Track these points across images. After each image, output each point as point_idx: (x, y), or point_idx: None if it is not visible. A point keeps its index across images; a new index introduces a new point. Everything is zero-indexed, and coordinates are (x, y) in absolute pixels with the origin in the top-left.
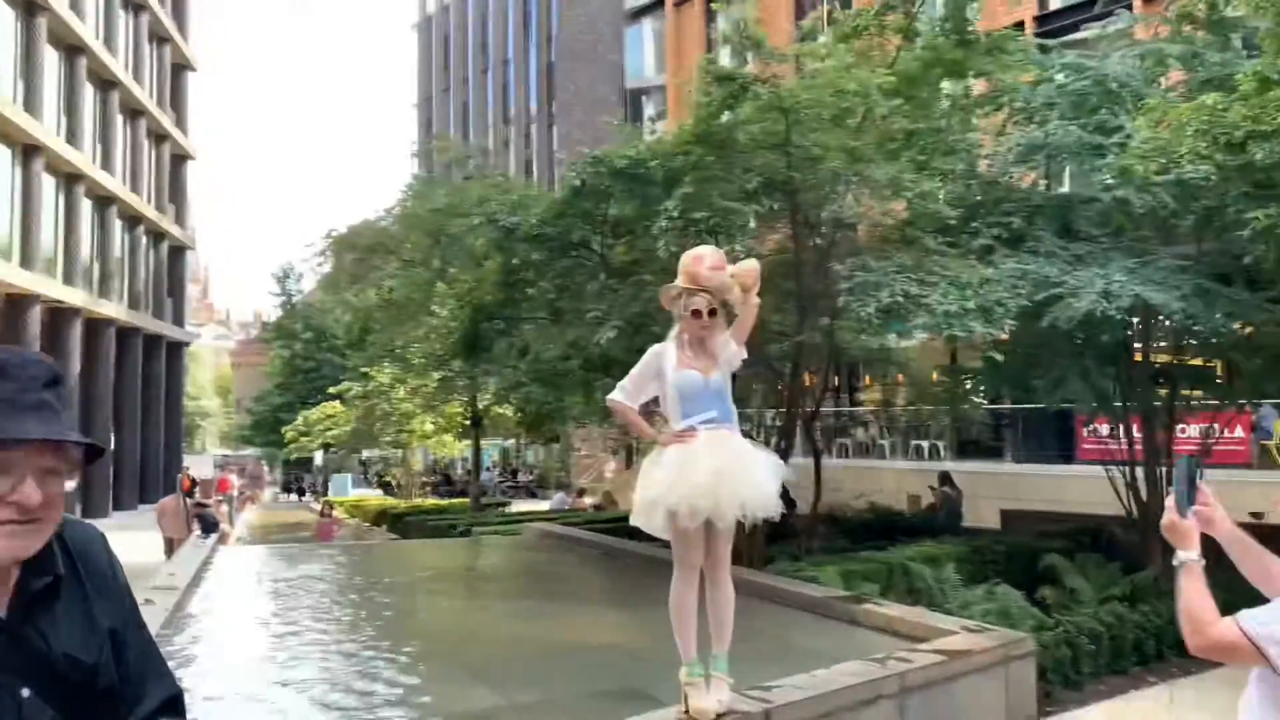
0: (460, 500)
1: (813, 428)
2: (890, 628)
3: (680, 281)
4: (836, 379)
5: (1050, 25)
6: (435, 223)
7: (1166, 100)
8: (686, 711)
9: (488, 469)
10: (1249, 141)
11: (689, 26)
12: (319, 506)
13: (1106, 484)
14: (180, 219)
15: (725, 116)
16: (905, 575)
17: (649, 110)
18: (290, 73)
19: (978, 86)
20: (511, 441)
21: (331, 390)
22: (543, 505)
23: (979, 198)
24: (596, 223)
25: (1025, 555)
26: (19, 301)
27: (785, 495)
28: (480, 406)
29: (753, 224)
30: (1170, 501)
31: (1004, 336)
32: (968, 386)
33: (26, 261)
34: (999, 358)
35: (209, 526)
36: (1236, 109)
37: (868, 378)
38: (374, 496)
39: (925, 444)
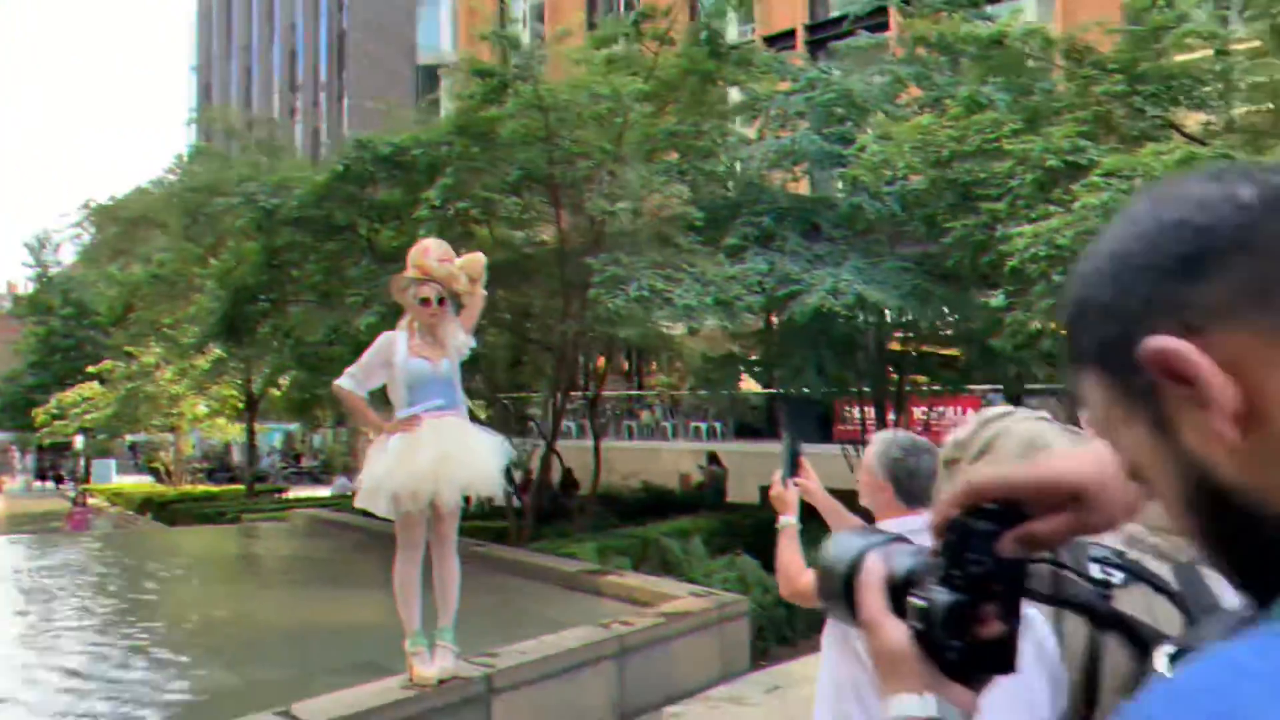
0: (235, 487)
1: (595, 411)
2: (630, 596)
3: (409, 273)
4: (626, 364)
5: (819, 35)
6: (195, 201)
7: (893, 117)
8: (411, 680)
9: (268, 454)
10: (954, 159)
11: (482, 6)
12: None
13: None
14: None
15: (490, 110)
16: (658, 549)
17: (445, 86)
18: (52, 22)
19: (734, 94)
20: (296, 426)
21: (91, 370)
22: (324, 491)
23: (736, 198)
24: (363, 207)
25: (772, 528)
26: None
27: (568, 476)
28: (255, 389)
29: (524, 215)
30: (776, 475)
31: (696, 329)
32: (733, 371)
33: None
34: (735, 349)
35: None
36: (945, 130)
37: (653, 363)
38: (142, 483)
39: (704, 425)
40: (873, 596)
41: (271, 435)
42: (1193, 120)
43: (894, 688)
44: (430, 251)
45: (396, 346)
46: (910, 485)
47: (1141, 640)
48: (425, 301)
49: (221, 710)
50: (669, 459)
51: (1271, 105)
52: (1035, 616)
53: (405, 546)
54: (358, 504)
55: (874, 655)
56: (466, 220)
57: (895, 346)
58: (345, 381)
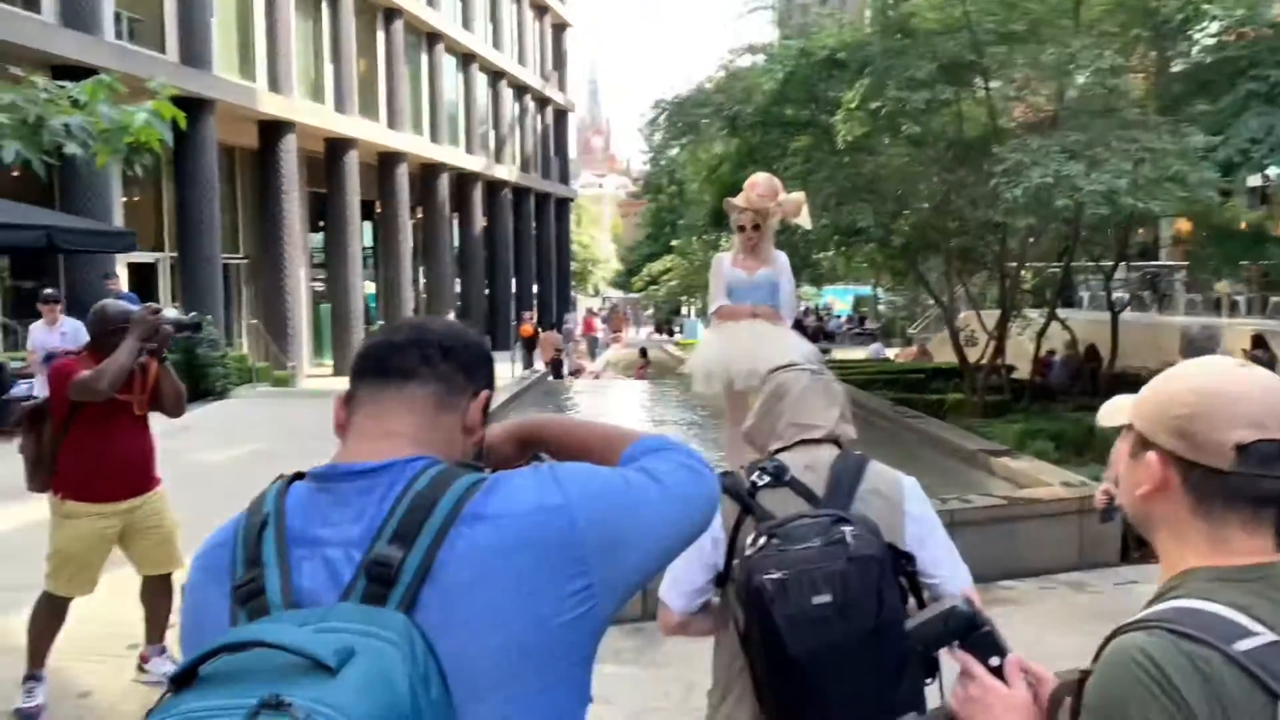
0: None
1: (1110, 283)
2: (1013, 479)
3: (738, 200)
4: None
5: None
6: (688, 115)
7: None
8: None
9: (837, 316)
10: None
11: None
12: (674, 349)
13: None
14: (562, 85)
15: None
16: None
17: None
18: None
19: None
20: (869, 289)
21: (673, 244)
22: (861, 353)
23: (1243, 51)
24: (820, 104)
25: None
26: (432, 168)
27: (1090, 352)
28: None
29: (939, 108)
30: None
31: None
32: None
33: (435, 135)
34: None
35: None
36: None
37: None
38: None
39: None
40: None
41: (844, 294)
42: None
43: None
44: (757, 186)
45: (724, 262)
46: None
47: (759, 518)
48: (742, 227)
49: None
50: (1228, 338)
51: None
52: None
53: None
54: (694, 389)
55: None
56: (879, 118)
57: None
58: (712, 306)
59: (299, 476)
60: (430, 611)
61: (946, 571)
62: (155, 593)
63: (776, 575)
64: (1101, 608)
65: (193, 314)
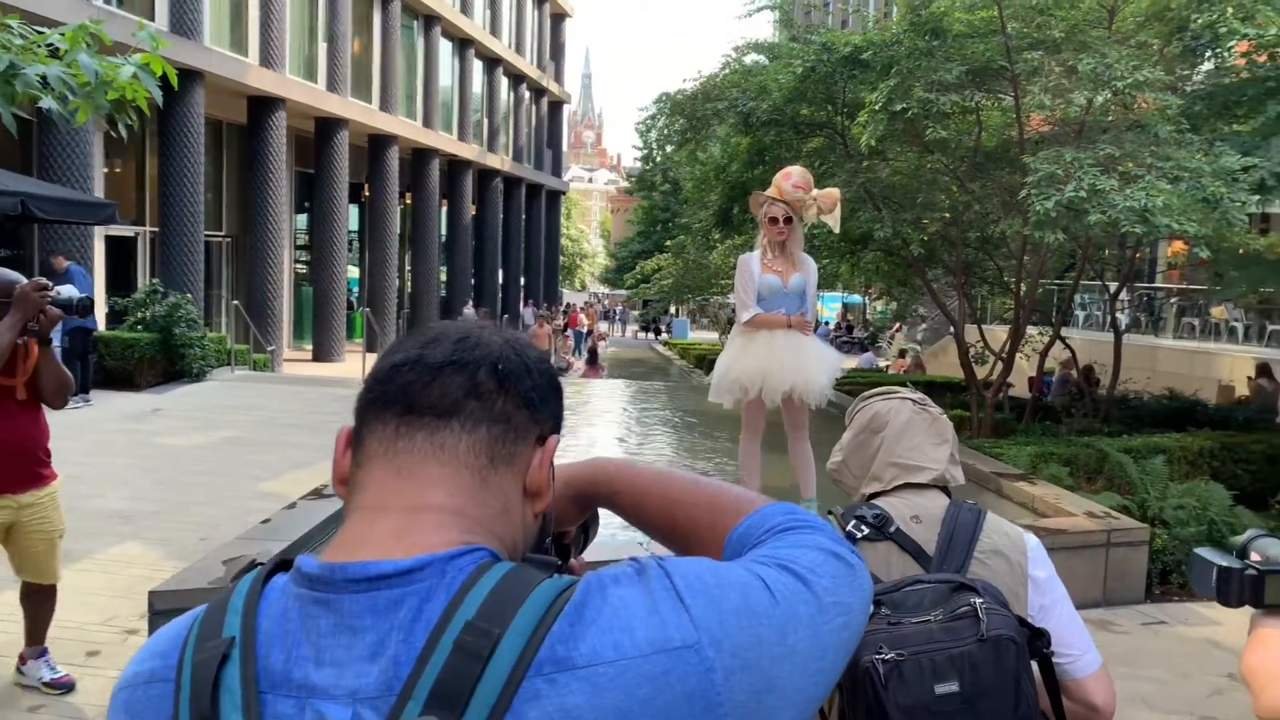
0: None
1: (1115, 305)
2: (1030, 505)
3: (769, 192)
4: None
5: None
6: (692, 108)
7: None
8: None
9: (825, 323)
10: None
11: None
12: (663, 348)
13: None
14: (558, 75)
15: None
16: (1111, 463)
17: None
18: None
19: None
20: (859, 297)
21: (667, 244)
22: (851, 362)
23: (1274, 73)
24: (837, 105)
25: None
26: (423, 153)
27: (1088, 373)
28: None
29: (966, 114)
30: None
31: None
32: (1253, 276)
33: (428, 120)
34: (1204, 253)
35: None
36: None
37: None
38: (708, 340)
39: None
40: None
41: (830, 301)
42: None
43: None
44: (791, 176)
45: (753, 264)
46: None
47: None
48: (773, 220)
49: None
50: (1226, 365)
51: None
52: None
53: (745, 428)
54: (710, 399)
55: None
56: (903, 121)
57: None
58: (746, 315)
59: (283, 567)
60: None
61: (1077, 650)
62: (37, 598)
63: (890, 656)
64: (1130, 649)
65: (83, 296)
